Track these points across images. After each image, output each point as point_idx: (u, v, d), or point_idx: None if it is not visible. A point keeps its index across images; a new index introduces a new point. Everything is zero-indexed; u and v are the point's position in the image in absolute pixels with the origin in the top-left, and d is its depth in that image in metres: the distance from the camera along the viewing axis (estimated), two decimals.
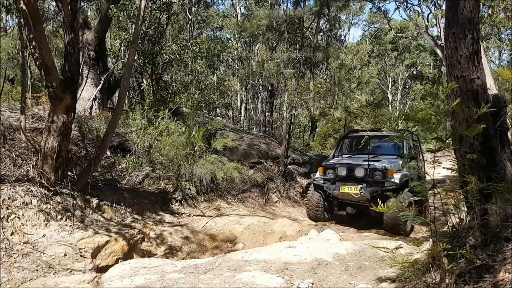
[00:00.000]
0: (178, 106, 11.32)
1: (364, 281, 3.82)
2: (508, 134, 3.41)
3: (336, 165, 7.86)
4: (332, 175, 7.83)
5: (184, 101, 11.95)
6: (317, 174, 8.25)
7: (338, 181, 7.69)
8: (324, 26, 23.87)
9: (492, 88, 7.62)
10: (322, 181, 8.00)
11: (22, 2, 4.86)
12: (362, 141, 8.25)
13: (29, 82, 10.51)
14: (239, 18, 20.71)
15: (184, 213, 7.48)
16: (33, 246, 4.70)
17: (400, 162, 7.63)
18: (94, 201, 6.10)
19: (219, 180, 8.34)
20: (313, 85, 19.46)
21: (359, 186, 7.31)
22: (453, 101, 2.91)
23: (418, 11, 17.81)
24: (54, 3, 11.30)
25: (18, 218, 4.92)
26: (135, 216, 6.65)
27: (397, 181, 7.14)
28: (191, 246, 6.29)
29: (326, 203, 8.22)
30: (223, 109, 22.21)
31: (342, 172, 7.64)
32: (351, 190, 7.39)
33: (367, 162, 7.67)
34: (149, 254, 5.84)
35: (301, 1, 20.78)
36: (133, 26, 8.81)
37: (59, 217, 5.34)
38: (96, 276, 4.30)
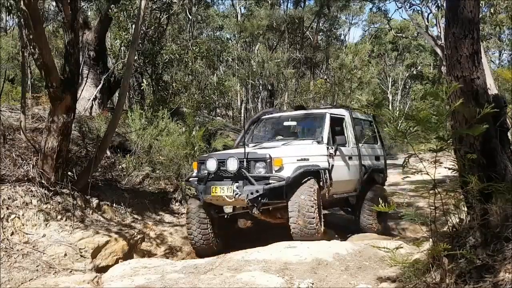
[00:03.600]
0: (178, 106, 11.33)
1: (364, 281, 3.82)
2: (508, 134, 3.42)
3: (208, 157, 5.46)
4: (206, 171, 5.36)
5: (184, 101, 11.95)
6: (194, 172, 5.77)
7: (210, 180, 5.28)
8: (324, 26, 23.87)
9: (492, 88, 7.62)
10: (196, 182, 5.56)
11: (22, 2, 4.87)
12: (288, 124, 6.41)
13: (29, 82, 10.51)
14: (239, 18, 20.70)
15: (184, 213, 7.48)
16: (33, 246, 4.70)
17: (315, 147, 5.72)
18: (94, 201, 6.10)
19: None
20: (313, 85, 19.47)
21: (235, 185, 5.01)
22: (453, 101, 2.91)
23: (419, 11, 17.78)
24: (54, 3, 11.30)
25: (18, 218, 4.92)
26: (135, 216, 6.65)
27: (288, 174, 4.99)
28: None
29: (214, 220, 5.60)
30: (223, 109, 22.22)
31: (212, 166, 5.21)
32: (224, 191, 5.06)
33: (255, 150, 5.52)
34: (149, 254, 5.84)
35: (301, 1, 20.80)
36: (133, 26, 8.81)
37: (59, 217, 5.35)
38: (96, 276, 4.31)
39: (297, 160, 5.30)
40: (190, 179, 5.76)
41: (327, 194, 5.60)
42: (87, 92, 10.76)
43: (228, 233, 5.88)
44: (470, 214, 3.03)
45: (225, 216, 5.48)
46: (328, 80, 21.82)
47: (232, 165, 5.09)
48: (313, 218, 4.94)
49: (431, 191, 2.90)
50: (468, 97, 3.04)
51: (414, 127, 2.86)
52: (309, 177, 5.16)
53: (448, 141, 2.88)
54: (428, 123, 2.75)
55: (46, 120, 5.77)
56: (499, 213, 2.76)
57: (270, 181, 5.01)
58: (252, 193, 4.95)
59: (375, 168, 6.82)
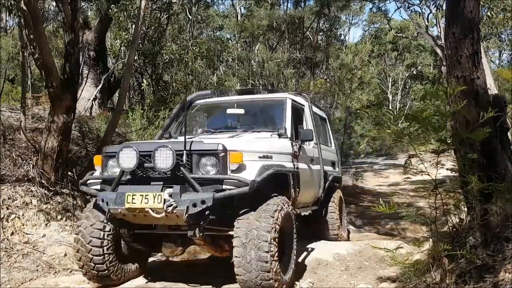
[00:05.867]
0: None
1: (364, 281, 3.82)
2: (508, 134, 3.42)
3: (123, 147, 3.51)
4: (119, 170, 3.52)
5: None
6: (96, 172, 3.89)
7: (126, 184, 3.50)
8: (324, 26, 23.86)
9: (492, 88, 7.61)
10: (98, 187, 3.72)
11: (22, 2, 4.87)
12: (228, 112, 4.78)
13: (29, 82, 10.52)
14: (239, 18, 20.69)
15: None
16: (33, 246, 4.70)
17: (278, 142, 4.23)
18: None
19: None
20: (313, 85, 19.46)
21: (166, 191, 3.25)
22: (454, 101, 2.91)
23: (418, 11, 17.82)
24: (54, 3, 11.31)
25: (18, 218, 4.93)
26: None
27: (251, 176, 3.34)
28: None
29: (118, 240, 3.89)
30: None
31: (129, 161, 3.41)
32: (148, 202, 3.25)
33: (200, 140, 3.75)
34: None
35: (302, 1, 20.81)
36: (133, 26, 8.81)
37: (59, 217, 5.35)
38: None
39: (259, 157, 3.69)
40: (88, 181, 3.79)
41: (295, 205, 4.23)
42: (87, 92, 10.76)
43: (145, 255, 4.15)
44: (470, 214, 3.03)
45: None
46: (328, 80, 21.82)
47: (164, 160, 3.29)
48: (269, 258, 3.20)
49: (431, 192, 2.90)
50: (469, 98, 3.04)
51: (418, 128, 2.86)
52: (275, 194, 3.65)
53: (449, 143, 2.88)
54: (430, 123, 2.75)
55: (46, 120, 5.77)
56: (499, 213, 2.77)
57: (225, 187, 3.29)
58: (195, 205, 3.18)
59: (335, 176, 5.76)
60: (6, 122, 6.64)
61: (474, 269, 2.64)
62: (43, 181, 5.45)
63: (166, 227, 3.62)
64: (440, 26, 15.13)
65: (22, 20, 5.68)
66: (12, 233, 4.73)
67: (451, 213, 3.08)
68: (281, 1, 21.55)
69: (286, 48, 19.89)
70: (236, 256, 3.27)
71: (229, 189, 3.28)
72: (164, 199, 3.21)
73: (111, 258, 3.72)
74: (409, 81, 32.45)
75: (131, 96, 12.70)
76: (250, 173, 3.38)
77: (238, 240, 3.29)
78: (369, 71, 25.80)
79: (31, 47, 5.22)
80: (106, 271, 3.70)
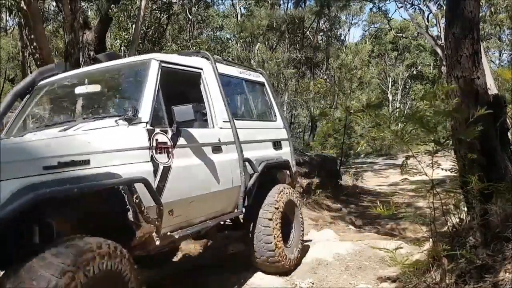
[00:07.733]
0: None
1: (364, 281, 3.82)
2: (508, 134, 3.42)
3: None
4: None
5: None
6: None
7: None
8: (324, 26, 23.88)
9: (492, 88, 7.60)
10: None
11: (22, 2, 4.89)
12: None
13: None
14: (239, 18, 20.71)
15: None
16: None
17: (112, 131, 2.60)
18: None
19: None
20: (313, 85, 19.48)
21: None
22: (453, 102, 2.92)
23: (419, 10, 17.86)
24: (54, 3, 11.32)
25: None
26: None
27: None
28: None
29: None
30: None
31: None
32: None
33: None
34: None
35: (302, 1, 20.84)
36: (133, 26, 8.82)
37: None
38: None
39: (45, 168, 2.05)
40: None
41: (155, 236, 2.59)
42: None
43: None
44: (470, 214, 3.03)
45: None
46: (328, 80, 21.83)
47: None
48: None
49: (428, 192, 2.90)
50: (469, 98, 3.04)
51: (414, 129, 2.86)
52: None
53: (444, 143, 2.87)
54: (424, 124, 2.75)
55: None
56: (499, 213, 2.77)
57: None
58: None
59: (272, 162, 3.91)
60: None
61: (474, 269, 2.64)
62: None
63: None
64: (440, 26, 15.16)
65: (22, 20, 5.69)
66: None
67: (451, 213, 3.08)
68: (281, 1, 21.59)
69: (286, 48, 19.92)
70: None
71: None
72: None
73: None
74: (409, 81, 32.49)
75: None
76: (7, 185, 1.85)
77: None
78: (369, 71, 25.83)
79: (31, 47, 5.23)
80: None
